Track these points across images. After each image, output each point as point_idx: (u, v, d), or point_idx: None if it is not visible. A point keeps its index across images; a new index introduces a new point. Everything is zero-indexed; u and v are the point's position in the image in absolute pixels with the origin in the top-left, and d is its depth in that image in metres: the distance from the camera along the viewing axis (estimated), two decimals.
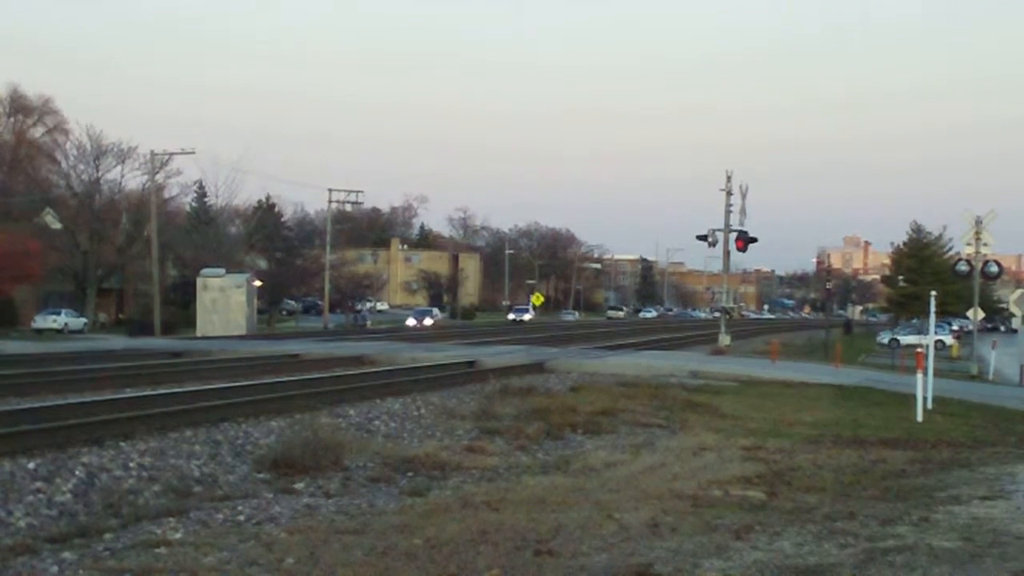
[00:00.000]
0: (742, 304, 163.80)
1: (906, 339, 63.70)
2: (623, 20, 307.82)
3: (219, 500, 10.82)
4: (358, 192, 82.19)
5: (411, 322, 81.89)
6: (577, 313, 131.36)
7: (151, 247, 64.16)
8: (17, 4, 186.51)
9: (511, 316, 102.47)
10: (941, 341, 55.27)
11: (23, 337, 51.41)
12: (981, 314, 47.05)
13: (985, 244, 40.97)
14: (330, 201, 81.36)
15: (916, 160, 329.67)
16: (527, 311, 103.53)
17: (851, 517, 10.27)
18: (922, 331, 49.94)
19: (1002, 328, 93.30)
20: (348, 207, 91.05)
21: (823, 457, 14.82)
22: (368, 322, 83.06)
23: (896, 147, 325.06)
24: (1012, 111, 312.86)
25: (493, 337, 54.90)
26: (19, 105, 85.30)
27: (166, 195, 78.72)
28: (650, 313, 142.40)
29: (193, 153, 74.30)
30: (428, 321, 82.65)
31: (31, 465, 11.71)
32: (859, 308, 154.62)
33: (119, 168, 74.40)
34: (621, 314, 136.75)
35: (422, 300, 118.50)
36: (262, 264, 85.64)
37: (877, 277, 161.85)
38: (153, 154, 66.67)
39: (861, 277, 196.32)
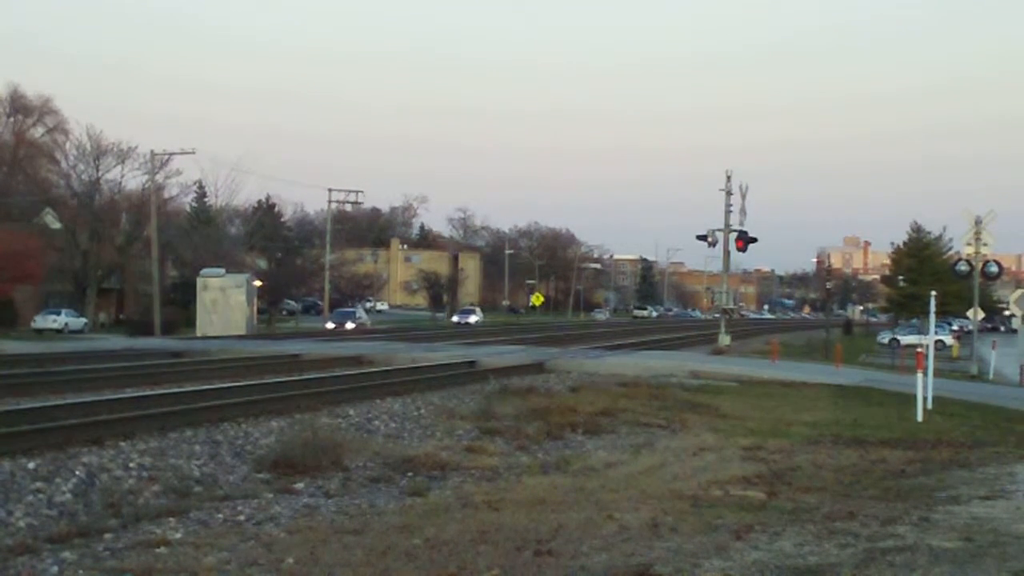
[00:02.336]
0: (742, 304, 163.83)
1: (906, 339, 63.65)
2: (623, 20, 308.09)
3: (219, 500, 10.81)
4: (358, 192, 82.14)
5: (330, 325, 75.24)
6: (608, 312, 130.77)
7: (151, 247, 64.16)
8: (17, 4, 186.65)
9: (455, 319, 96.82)
10: (941, 341, 55.20)
11: (23, 337, 51.38)
12: (981, 314, 47.02)
13: (985, 244, 40.94)
14: (330, 201, 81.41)
15: (916, 160, 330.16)
16: (473, 313, 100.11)
17: (851, 517, 10.27)
18: (922, 331, 49.91)
19: (1002, 328, 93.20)
20: (348, 207, 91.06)
21: (823, 457, 14.82)
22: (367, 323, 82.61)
23: (896, 147, 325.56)
24: (1012, 111, 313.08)
25: (493, 337, 54.90)
26: (19, 105, 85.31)
27: (166, 195, 78.74)
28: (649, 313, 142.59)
29: (193, 153, 74.34)
30: (350, 325, 75.75)
31: (31, 465, 11.69)
32: (859, 308, 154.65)
33: (119, 168, 74.65)
34: (644, 313, 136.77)
35: (422, 300, 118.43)
36: (262, 264, 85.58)
37: (877, 277, 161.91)
38: (153, 154, 66.72)
39: (861, 277, 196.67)
